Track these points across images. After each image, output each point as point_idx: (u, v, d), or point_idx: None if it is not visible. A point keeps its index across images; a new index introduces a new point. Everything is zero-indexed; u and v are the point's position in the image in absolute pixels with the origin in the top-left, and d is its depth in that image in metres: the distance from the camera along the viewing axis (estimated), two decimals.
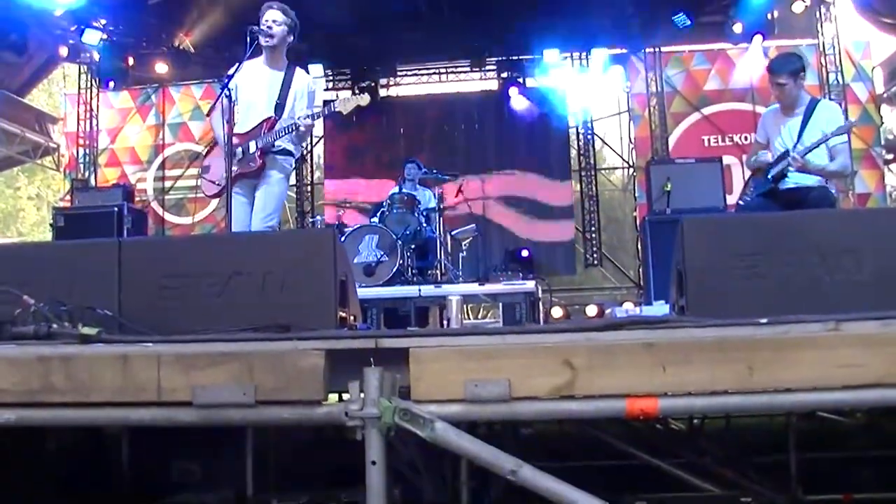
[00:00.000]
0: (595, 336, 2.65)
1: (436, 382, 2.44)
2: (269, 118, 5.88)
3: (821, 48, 13.46)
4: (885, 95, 13.87)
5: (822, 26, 13.39)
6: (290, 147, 6.00)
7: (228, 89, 5.57)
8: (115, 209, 10.76)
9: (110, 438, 3.79)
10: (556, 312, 12.35)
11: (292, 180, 15.72)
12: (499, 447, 2.46)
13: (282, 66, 6.01)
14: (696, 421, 4.57)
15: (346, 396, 2.50)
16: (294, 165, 6.19)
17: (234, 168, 5.71)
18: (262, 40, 5.79)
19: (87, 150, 14.68)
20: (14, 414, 2.46)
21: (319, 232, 6.65)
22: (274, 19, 5.84)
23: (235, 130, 5.70)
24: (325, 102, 5.90)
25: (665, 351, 2.46)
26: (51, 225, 11.29)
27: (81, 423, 2.51)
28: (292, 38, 6.00)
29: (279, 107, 5.92)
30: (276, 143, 5.87)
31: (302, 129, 5.89)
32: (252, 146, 5.82)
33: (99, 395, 2.44)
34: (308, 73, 6.32)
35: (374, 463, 2.38)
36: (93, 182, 14.39)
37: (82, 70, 14.72)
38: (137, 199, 13.64)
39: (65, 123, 15.47)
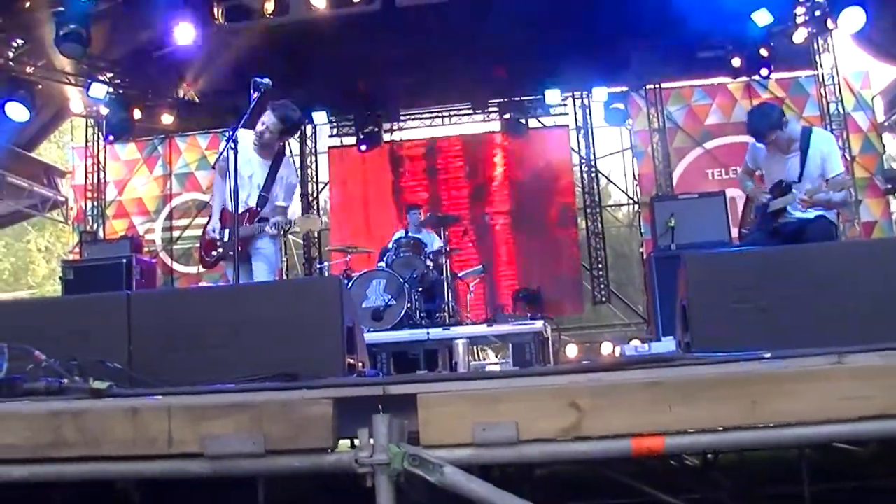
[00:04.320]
0: (600, 377, 2.68)
1: (444, 427, 2.46)
2: (252, 210, 6.13)
3: (820, 79, 13.53)
4: (885, 124, 13.92)
5: (820, 57, 13.48)
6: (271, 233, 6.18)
7: (234, 141, 5.64)
8: (124, 261, 10.81)
9: (121, 491, 3.80)
10: (571, 351, 12.33)
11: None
12: (513, 490, 2.48)
13: (270, 156, 6.24)
14: (710, 455, 4.56)
15: (356, 442, 2.52)
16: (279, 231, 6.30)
17: (219, 250, 6.16)
18: (257, 141, 6.10)
19: (95, 203, 14.79)
20: (26, 470, 2.48)
21: (326, 280, 6.69)
22: (269, 126, 6.05)
23: (227, 207, 6.01)
24: (276, 224, 6.08)
25: (669, 389, 2.48)
26: (60, 278, 11.35)
27: (93, 477, 2.53)
28: (286, 137, 6.40)
29: (262, 199, 6.14)
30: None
31: (277, 229, 6.11)
32: (225, 235, 6.14)
33: (110, 449, 2.46)
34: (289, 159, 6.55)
35: None
36: (101, 234, 14.46)
37: (89, 123, 14.86)
38: (146, 249, 13.70)
39: (73, 176, 15.59)
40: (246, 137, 6.05)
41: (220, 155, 5.97)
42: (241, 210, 5.95)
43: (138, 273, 11.02)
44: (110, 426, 2.47)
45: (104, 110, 13.71)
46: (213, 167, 6.65)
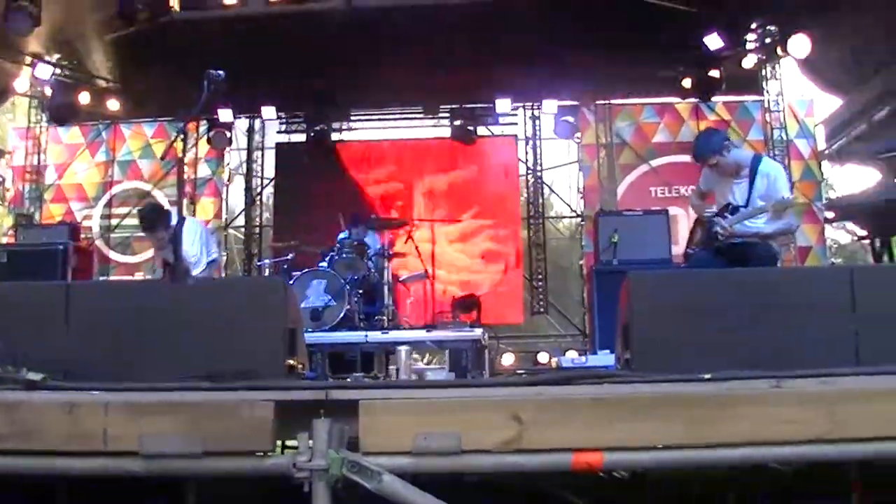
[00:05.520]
0: (544, 390, 2.69)
1: (385, 435, 2.46)
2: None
3: (766, 104, 13.79)
4: (826, 152, 14.22)
5: (767, 83, 13.74)
6: None
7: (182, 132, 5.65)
8: (60, 247, 10.56)
9: (48, 487, 3.71)
10: (508, 359, 12.39)
11: (240, 221, 15.68)
12: (446, 499, 2.47)
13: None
14: (640, 470, 4.60)
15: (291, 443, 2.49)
16: None
17: None
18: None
19: (33, 186, 14.46)
20: None
21: (269, 280, 6.63)
22: (160, 238, 7.72)
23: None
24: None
25: (611, 406, 2.51)
26: None
27: (24, 472, 2.47)
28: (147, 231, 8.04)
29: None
30: None
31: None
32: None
33: (43, 444, 2.41)
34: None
35: None
36: (38, 218, 14.15)
37: (33, 104, 14.54)
38: (83, 236, 13.43)
39: (11, 157, 15.23)
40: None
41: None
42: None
43: (74, 261, 10.79)
44: (45, 420, 2.41)
45: (49, 91, 13.43)
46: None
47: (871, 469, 3.85)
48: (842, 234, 20.88)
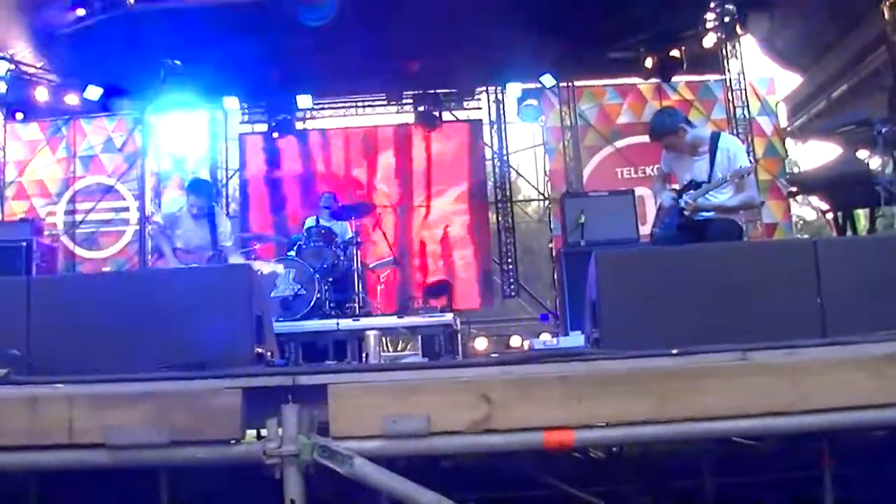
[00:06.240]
0: (511, 370, 2.69)
1: (354, 418, 2.45)
2: (209, 255, 7.91)
3: (728, 83, 13.86)
4: (788, 129, 14.34)
5: (728, 62, 13.81)
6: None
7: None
8: (24, 244, 10.42)
9: (18, 483, 3.67)
10: (481, 344, 12.40)
11: None
12: (420, 482, 2.47)
13: (205, 213, 7.97)
14: (615, 449, 4.63)
15: (264, 432, 2.48)
16: None
17: None
18: (191, 214, 7.87)
19: None
20: None
21: (235, 268, 6.57)
22: (200, 205, 7.88)
23: (180, 247, 7.90)
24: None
25: (579, 383, 2.51)
26: None
27: None
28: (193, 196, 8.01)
29: (213, 242, 7.92)
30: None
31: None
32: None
33: (6, 439, 2.38)
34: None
35: (292, 501, 2.37)
36: None
37: None
38: (47, 232, 13.28)
39: None
40: (182, 214, 7.93)
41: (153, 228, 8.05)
42: (198, 255, 7.86)
43: (38, 257, 10.66)
44: (7, 415, 2.38)
45: (4, 88, 13.22)
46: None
47: (841, 443, 3.90)
48: (807, 211, 21.16)
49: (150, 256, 13.55)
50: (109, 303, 3.35)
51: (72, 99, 13.64)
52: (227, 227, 8.21)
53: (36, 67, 13.20)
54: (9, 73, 12.77)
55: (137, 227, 14.39)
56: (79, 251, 14.49)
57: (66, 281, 5.50)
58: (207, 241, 7.92)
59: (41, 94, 13.32)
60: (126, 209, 14.62)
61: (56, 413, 2.37)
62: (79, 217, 14.58)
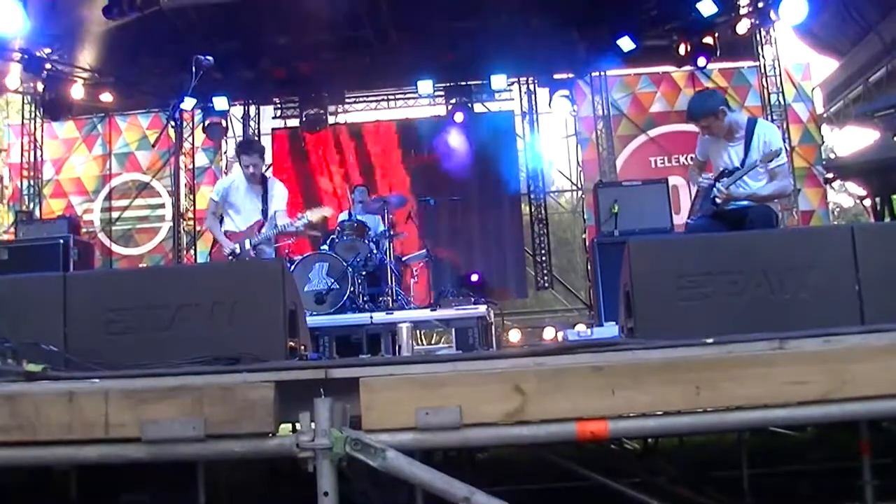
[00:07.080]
0: (544, 360, 2.67)
1: (387, 411, 2.44)
2: (258, 221, 7.55)
3: (762, 70, 13.71)
4: (825, 115, 14.17)
5: (762, 48, 13.65)
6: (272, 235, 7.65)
7: (175, 119, 5.64)
8: (61, 241, 10.52)
9: (58, 473, 3.72)
10: (514, 336, 12.38)
11: None
12: (454, 474, 2.46)
13: (259, 181, 7.70)
14: (651, 440, 4.60)
15: (297, 426, 2.48)
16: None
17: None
18: (247, 176, 7.59)
19: (32, 182, 14.43)
20: None
21: (268, 262, 6.61)
22: (255, 164, 7.58)
23: (230, 229, 7.61)
24: (283, 226, 7.69)
25: (613, 374, 2.49)
26: None
27: (27, 462, 2.47)
28: (245, 154, 7.71)
29: (264, 212, 7.59)
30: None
31: (289, 230, 7.70)
32: (247, 244, 7.45)
33: (46, 434, 2.40)
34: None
35: (326, 494, 2.37)
36: (38, 214, 14.12)
37: (26, 100, 14.49)
38: (84, 230, 13.41)
39: (8, 154, 15.20)
40: (237, 180, 7.72)
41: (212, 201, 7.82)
42: (248, 225, 7.54)
43: (76, 254, 10.75)
44: (46, 410, 2.40)
45: (41, 87, 13.38)
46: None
47: (881, 432, 3.85)
48: (844, 198, 20.86)
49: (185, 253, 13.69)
50: (144, 298, 3.37)
51: (106, 96, 13.77)
52: (281, 190, 7.84)
53: (70, 66, 13.31)
54: (45, 73, 12.90)
55: (172, 224, 14.53)
56: (115, 248, 14.67)
57: (102, 277, 5.55)
58: (258, 210, 7.61)
59: (76, 93, 13.46)
60: (161, 206, 14.77)
61: (92, 407, 2.39)
62: (115, 214, 14.74)
